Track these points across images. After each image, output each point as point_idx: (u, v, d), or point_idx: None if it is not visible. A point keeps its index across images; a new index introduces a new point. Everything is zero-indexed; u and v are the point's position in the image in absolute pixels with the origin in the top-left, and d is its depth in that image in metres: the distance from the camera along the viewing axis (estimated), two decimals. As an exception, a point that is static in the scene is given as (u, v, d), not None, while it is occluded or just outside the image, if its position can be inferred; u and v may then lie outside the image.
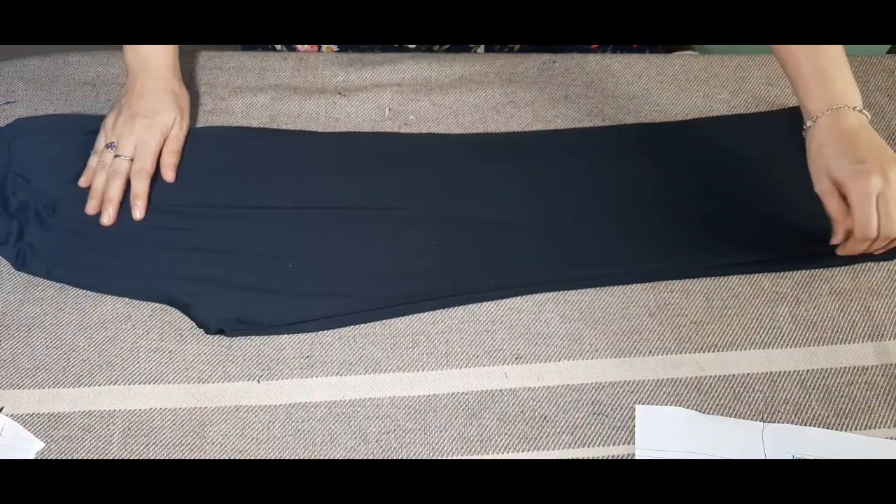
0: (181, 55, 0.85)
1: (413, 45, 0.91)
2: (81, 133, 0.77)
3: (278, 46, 0.92)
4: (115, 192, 0.72)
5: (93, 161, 0.75)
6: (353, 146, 0.79)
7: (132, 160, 0.73)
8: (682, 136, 0.81)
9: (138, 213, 0.72)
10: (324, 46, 0.91)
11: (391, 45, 0.91)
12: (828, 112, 0.67)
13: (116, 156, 0.73)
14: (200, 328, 0.68)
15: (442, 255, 0.72)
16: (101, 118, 0.78)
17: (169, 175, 0.75)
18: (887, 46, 1.19)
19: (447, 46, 0.91)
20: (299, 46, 0.91)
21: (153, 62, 0.75)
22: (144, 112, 0.74)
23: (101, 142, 0.75)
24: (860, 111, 0.67)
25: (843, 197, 0.65)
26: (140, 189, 0.72)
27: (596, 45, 0.93)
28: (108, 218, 0.72)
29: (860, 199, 0.63)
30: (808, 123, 0.68)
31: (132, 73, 0.76)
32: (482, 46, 0.92)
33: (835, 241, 0.67)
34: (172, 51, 0.77)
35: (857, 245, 0.66)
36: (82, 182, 0.74)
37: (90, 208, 0.72)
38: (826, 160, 0.66)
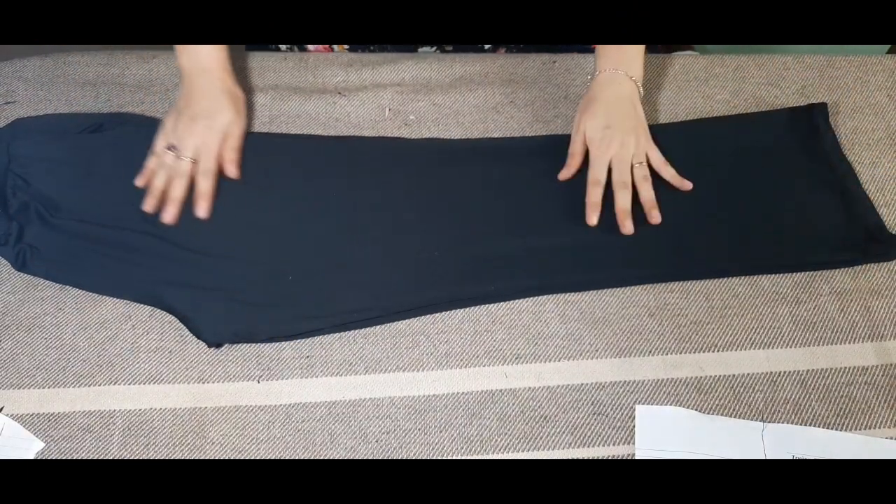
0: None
1: (408, 46, 0.91)
2: (81, 133, 0.77)
3: (283, 46, 0.92)
4: (179, 192, 0.73)
5: (151, 162, 0.75)
6: (353, 152, 0.79)
7: (194, 161, 0.74)
8: (681, 137, 0.81)
9: (203, 211, 0.73)
10: (335, 46, 0.91)
11: (389, 46, 0.91)
12: (610, 71, 0.77)
13: (179, 158, 0.74)
14: (200, 340, 0.68)
15: (444, 264, 0.71)
16: (101, 117, 0.79)
17: (233, 171, 0.76)
18: (887, 46, 1.19)
19: (451, 47, 0.91)
20: (310, 46, 0.91)
21: (209, 63, 0.76)
22: (204, 114, 0.75)
23: (160, 144, 0.75)
24: (636, 82, 0.77)
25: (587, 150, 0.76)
26: (206, 188, 0.74)
27: (596, 45, 0.93)
28: (170, 216, 0.73)
29: (595, 160, 0.75)
30: (594, 75, 0.78)
31: (188, 76, 0.77)
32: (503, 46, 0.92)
33: (565, 173, 0.77)
34: (225, 51, 0.78)
35: (592, 189, 0.74)
36: (139, 182, 0.74)
37: (149, 206, 0.73)
38: (587, 117, 0.76)
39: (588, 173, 0.74)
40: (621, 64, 0.77)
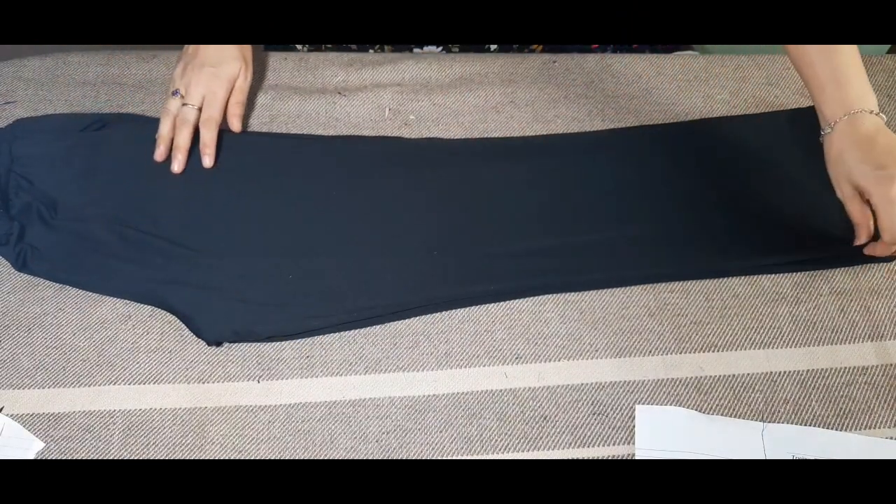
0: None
1: (411, 46, 0.91)
2: (83, 132, 0.77)
3: (299, 47, 0.92)
4: (184, 141, 0.74)
5: (162, 111, 0.76)
6: (355, 151, 0.78)
7: (199, 109, 0.75)
8: (682, 137, 0.81)
9: (208, 160, 0.74)
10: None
11: (390, 46, 0.91)
12: (845, 117, 0.67)
13: (185, 104, 0.75)
14: (199, 339, 0.68)
15: (444, 264, 0.71)
16: (102, 117, 0.79)
17: (236, 125, 0.77)
18: (887, 46, 1.19)
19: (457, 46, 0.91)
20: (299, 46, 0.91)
21: None
22: (211, 61, 0.76)
23: (169, 90, 0.76)
24: (877, 114, 0.67)
25: (865, 201, 0.67)
26: (209, 138, 0.74)
27: (596, 45, 0.93)
28: (178, 165, 0.74)
29: (885, 205, 0.64)
30: (827, 129, 0.69)
31: None
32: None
33: (858, 242, 0.69)
34: None
35: (886, 248, 0.68)
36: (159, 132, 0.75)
37: (158, 154, 0.74)
38: (847, 166, 0.66)
39: (882, 226, 0.65)
40: (853, 103, 0.67)
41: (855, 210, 0.68)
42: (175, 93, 0.75)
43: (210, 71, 0.75)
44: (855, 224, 0.69)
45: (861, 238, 0.69)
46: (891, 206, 0.64)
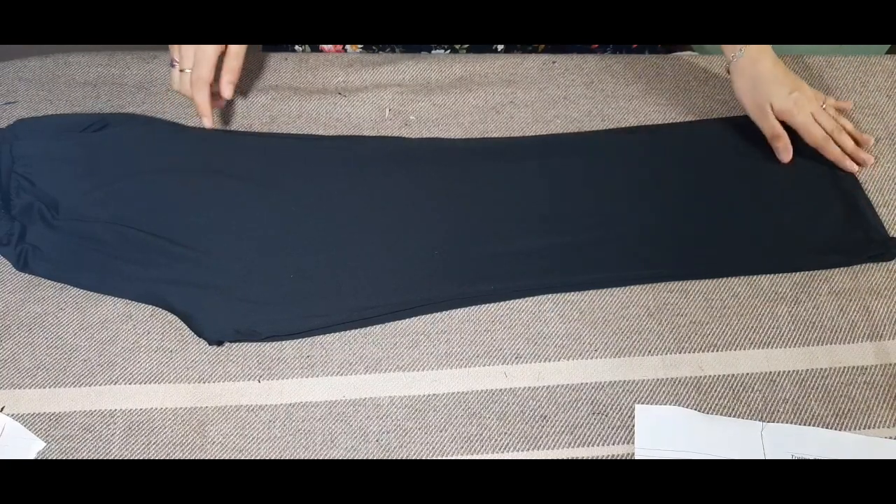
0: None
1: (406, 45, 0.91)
2: (84, 132, 0.77)
3: (298, 47, 0.92)
4: (200, 105, 0.73)
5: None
6: (356, 151, 0.79)
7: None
8: (682, 137, 0.81)
9: (207, 121, 0.74)
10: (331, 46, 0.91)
11: (389, 46, 0.91)
12: (743, 51, 0.77)
13: (181, 71, 0.74)
14: (200, 338, 0.68)
15: (444, 264, 0.71)
16: (103, 117, 0.79)
17: (227, 91, 0.75)
18: (887, 46, 1.19)
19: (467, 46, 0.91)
20: (323, 46, 0.91)
21: None
22: None
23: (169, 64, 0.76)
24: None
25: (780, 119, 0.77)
26: (201, 100, 0.73)
27: (596, 45, 0.93)
28: (207, 122, 0.74)
29: (806, 125, 0.76)
30: (736, 53, 0.77)
31: None
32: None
33: (783, 157, 0.78)
34: None
35: (831, 147, 0.76)
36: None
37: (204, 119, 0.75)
38: (766, 90, 0.76)
39: (810, 140, 0.76)
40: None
41: (776, 128, 0.77)
42: (172, 64, 0.74)
43: None
44: (773, 137, 0.77)
45: (787, 149, 0.77)
46: (811, 124, 0.76)
